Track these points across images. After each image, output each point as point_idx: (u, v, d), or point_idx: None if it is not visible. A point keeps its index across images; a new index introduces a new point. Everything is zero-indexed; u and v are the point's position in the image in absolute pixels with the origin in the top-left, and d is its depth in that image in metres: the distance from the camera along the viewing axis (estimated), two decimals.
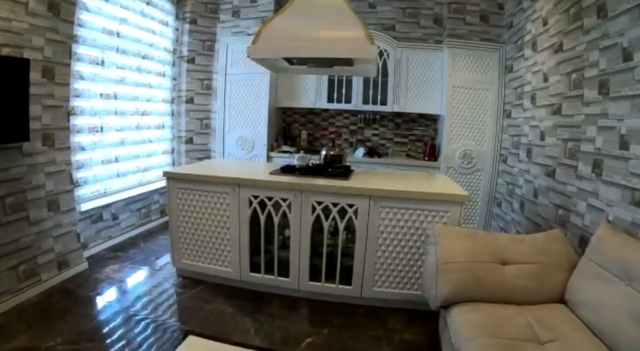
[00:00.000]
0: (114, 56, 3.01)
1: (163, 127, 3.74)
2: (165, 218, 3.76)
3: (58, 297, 2.24)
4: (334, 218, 2.20)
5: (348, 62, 2.35)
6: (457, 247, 1.79)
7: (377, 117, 4.23)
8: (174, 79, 3.88)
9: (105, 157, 3.01)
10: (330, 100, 4.00)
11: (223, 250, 2.41)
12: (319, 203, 2.18)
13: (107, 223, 3.06)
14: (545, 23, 2.67)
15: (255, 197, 2.26)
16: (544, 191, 2.57)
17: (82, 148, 2.80)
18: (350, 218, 2.18)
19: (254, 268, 2.39)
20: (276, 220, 2.27)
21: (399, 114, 4.18)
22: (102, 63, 2.91)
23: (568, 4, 2.34)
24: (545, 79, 2.63)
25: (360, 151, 3.98)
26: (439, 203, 2.12)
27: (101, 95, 2.93)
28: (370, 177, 2.53)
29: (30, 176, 2.19)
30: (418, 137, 4.26)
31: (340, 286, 2.29)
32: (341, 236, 2.22)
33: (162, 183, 3.69)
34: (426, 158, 3.89)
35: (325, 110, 4.31)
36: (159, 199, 3.69)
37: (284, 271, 2.34)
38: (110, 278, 2.53)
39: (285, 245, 2.33)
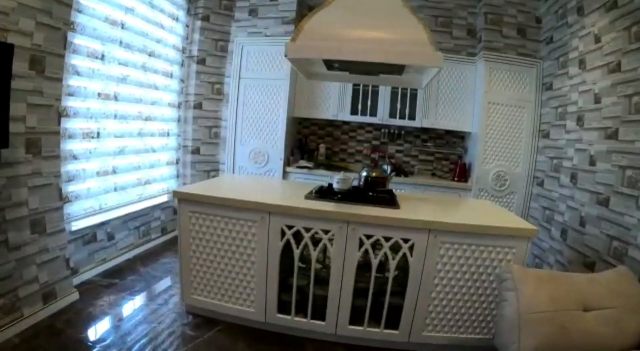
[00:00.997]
0: (116, 50, 2.57)
1: (168, 134, 3.29)
2: (167, 237, 3.35)
3: (43, 339, 1.78)
4: (384, 255, 1.79)
5: (398, 70, 2.00)
6: (539, 293, 1.48)
7: (403, 132, 3.89)
8: (182, 81, 3.46)
9: (101, 168, 2.55)
10: (354, 112, 3.63)
11: (246, 287, 1.96)
12: (368, 236, 1.78)
13: (102, 243, 2.59)
14: (597, 40, 2.36)
15: (290, 227, 1.84)
16: (593, 220, 2.24)
17: (75, 157, 2.33)
18: (404, 255, 1.78)
19: (283, 308, 1.95)
20: (315, 255, 1.85)
21: (425, 130, 3.84)
22: (103, 57, 2.47)
23: (629, 22, 2.05)
24: (597, 100, 2.31)
25: (387, 168, 3.62)
26: (504, 238, 1.76)
27: (99, 95, 2.48)
28: (420, 204, 2.16)
29: (9, 190, 1.73)
30: (444, 155, 3.93)
31: (386, 331, 1.89)
32: (392, 275, 1.82)
33: (164, 197, 3.29)
34: (455, 179, 3.56)
35: (346, 123, 3.94)
36: (161, 215, 3.23)
37: (319, 313, 1.92)
38: (105, 314, 2.07)
39: (320, 283, 1.91)
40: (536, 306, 1.45)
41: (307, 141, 4.05)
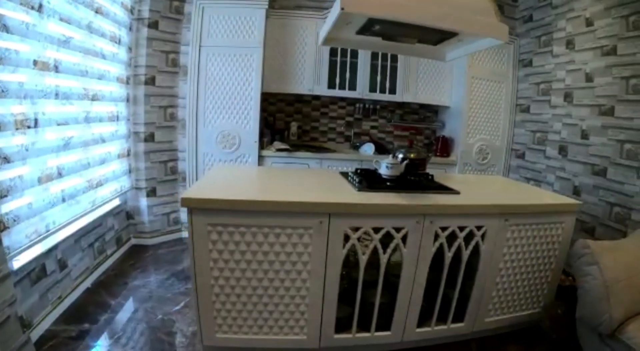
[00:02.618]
0: None
1: (117, 118, 2.64)
2: (124, 249, 2.82)
3: None
4: (457, 246, 1.78)
5: (441, 40, 1.92)
6: (616, 263, 1.69)
7: (378, 107, 3.90)
8: (130, 49, 2.79)
9: (43, 171, 1.90)
10: (331, 85, 3.48)
11: (294, 312, 1.71)
12: (444, 229, 1.73)
13: (54, 277, 1.99)
14: (589, 24, 2.70)
15: (355, 229, 1.65)
16: (589, 189, 2.66)
17: (6, 159, 1.68)
18: (476, 244, 1.81)
19: (340, 327, 1.79)
20: (384, 258, 1.71)
21: (399, 105, 3.91)
22: (40, 8, 1.80)
23: (627, 11, 2.39)
24: (589, 79, 2.69)
25: (370, 147, 3.60)
26: (557, 214, 1.94)
27: (35, 63, 1.81)
28: (466, 186, 2.12)
29: None
30: (419, 131, 4.10)
31: (453, 325, 1.93)
32: (463, 266, 1.83)
33: (117, 202, 2.71)
34: (438, 154, 3.76)
35: (317, 98, 3.76)
36: (114, 224, 2.65)
37: (385, 323, 1.83)
38: None
39: (385, 289, 1.80)
40: (619, 275, 1.65)
41: (275, 120, 3.80)
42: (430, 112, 4.03)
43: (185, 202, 1.52)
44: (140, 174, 2.92)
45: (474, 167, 3.65)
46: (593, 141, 2.65)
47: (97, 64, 2.33)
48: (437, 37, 1.92)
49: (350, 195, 1.74)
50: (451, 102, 3.69)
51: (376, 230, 1.67)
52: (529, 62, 3.38)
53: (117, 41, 2.56)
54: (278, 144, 3.39)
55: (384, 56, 3.49)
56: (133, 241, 2.99)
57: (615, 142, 2.47)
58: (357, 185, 1.89)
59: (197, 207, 1.53)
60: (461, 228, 1.77)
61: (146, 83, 2.82)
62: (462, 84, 3.47)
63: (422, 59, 3.57)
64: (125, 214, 2.87)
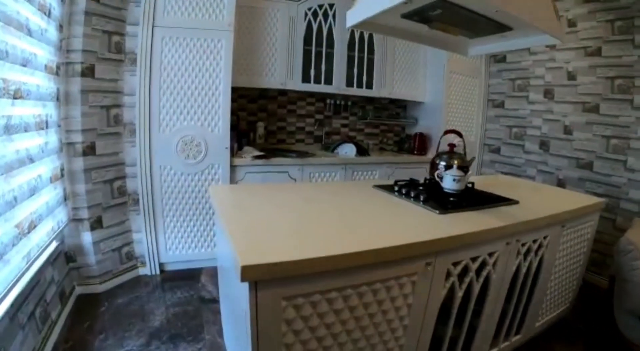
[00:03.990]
0: None
1: (47, 125, 1.93)
2: (69, 306, 2.14)
3: None
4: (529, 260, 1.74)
5: (487, 32, 1.83)
6: None
7: (349, 103, 3.72)
8: (61, 26, 2.06)
9: None
10: (306, 79, 3.20)
11: None
12: (523, 245, 1.67)
13: None
14: (572, 24, 2.94)
15: (456, 264, 1.44)
16: (574, 181, 2.96)
17: None
18: (542, 254, 1.80)
19: None
20: (477, 288, 1.55)
21: (369, 100, 3.82)
22: None
23: (612, 16, 2.67)
24: (572, 78, 2.97)
25: (351, 148, 3.40)
26: (590, 214, 2.06)
27: None
28: (501, 191, 2.09)
29: None
30: (389, 128, 4.05)
31: (514, 339, 1.90)
32: (531, 279, 1.80)
33: (53, 246, 2.04)
34: (415, 153, 3.75)
35: (283, 93, 3.45)
36: (54, 275, 1.95)
37: None
38: None
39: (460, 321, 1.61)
40: None
41: (238, 120, 3.35)
42: (399, 108, 4.05)
43: (250, 273, 0.99)
44: (80, 201, 2.23)
45: None
46: (577, 136, 2.93)
47: (20, 41, 1.67)
48: (486, 29, 1.85)
49: (436, 221, 1.50)
50: (425, 98, 3.76)
51: (474, 259, 1.50)
52: (502, 57, 3.60)
53: (47, 12, 1.88)
54: (250, 150, 3.00)
55: (361, 47, 3.35)
56: (78, 290, 2.31)
57: (601, 138, 2.77)
58: (432, 206, 1.65)
59: (265, 279, 1.04)
60: (534, 241, 1.73)
61: (83, 74, 2.13)
62: (441, 79, 3.53)
63: (398, 52, 3.54)
64: (64, 257, 2.18)
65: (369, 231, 1.33)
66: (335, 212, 1.53)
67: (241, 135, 3.16)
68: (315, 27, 3.15)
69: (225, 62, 2.63)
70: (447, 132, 2.08)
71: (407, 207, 1.67)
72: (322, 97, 3.62)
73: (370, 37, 3.37)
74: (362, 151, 3.44)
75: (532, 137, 3.33)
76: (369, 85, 3.46)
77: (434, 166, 2.05)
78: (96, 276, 2.36)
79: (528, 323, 1.99)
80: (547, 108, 3.16)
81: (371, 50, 3.39)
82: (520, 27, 1.77)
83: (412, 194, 1.79)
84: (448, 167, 1.98)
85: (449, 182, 1.79)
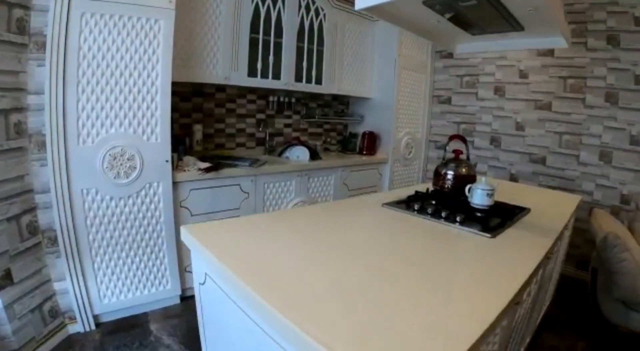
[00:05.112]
0: None
1: None
2: None
3: None
4: None
5: (500, 28, 1.79)
6: (636, 247, 2.16)
7: (293, 100, 3.43)
8: None
9: None
10: (252, 73, 2.82)
11: None
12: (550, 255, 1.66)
13: None
14: None
15: None
16: (528, 175, 3.24)
17: None
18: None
19: None
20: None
21: (313, 97, 3.60)
22: None
23: (567, 20, 2.91)
24: (524, 76, 3.23)
25: (303, 152, 3.13)
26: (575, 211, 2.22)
27: None
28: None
29: None
30: (332, 126, 3.87)
31: None
32: None
33: None
34: (365, 153, 3.66)
35: (221, 89, 3.02)
36: None
37: None
38: None
39: None
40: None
41: (172, 123, 2.76)
42: (342, 105, 3.93)
43: None
44: None
45: (402, 163, 3.80)
46: (530, 132, 3.21)
47: None
48: (498, 27, 1.81)
49: (496, 247, 1.34)
50: (372, 94, 3.71)
51: None
52: (449, 53, 3.73)
53: None
54: (192, 161, 2.54)
55: (310, 37, 3.13)
56: None
57: (553, 134, 3.07)
58: (477, 228, 1.50)
59: None
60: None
61: None
62: (391, 74, 3.52)
63: (347, 45, 3.41)
64: None
65: (461, 291, 1.02)
66: (376, 256, 1.20)
67: (177, 142, 2.68)
68: (263, 11, 2.80)
69: (165, 50, 2.14)
70: (452, 138, 2.02)
71: (447, 232, 1.48)
72: (264, 93, 3.29)
73: (321, 26, 3.16)
74: (313, 154, 3.26)
75: (482, 133, 3.55)
76: (318, 81, 3.25)
77: (439, 175, 1.96)
78: (16, 349, 1.72)
79: None
80: (497, 105, 3.40)
81: (321, 42, 3.18)
82: (534, 28, 1.79)
83: (443, 214, 1.63)
84: (457, 176, 1.96)
85: (481, 197, 1.67)
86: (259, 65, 2.85)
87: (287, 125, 3.53)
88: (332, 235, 1.35)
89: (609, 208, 2.83)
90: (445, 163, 1.96)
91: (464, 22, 1.80)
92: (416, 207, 1.73)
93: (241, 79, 2.77)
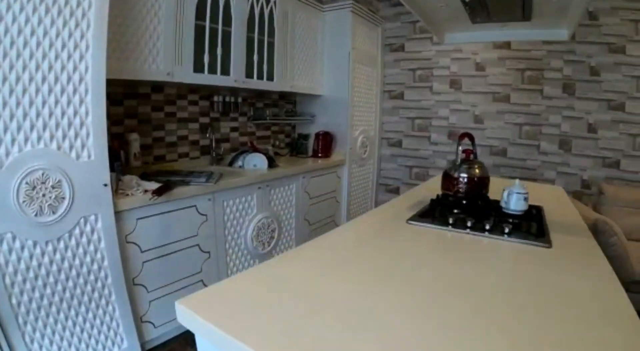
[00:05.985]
0: None
1: None
2: None
3: None
4: None
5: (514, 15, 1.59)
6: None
7: (239, 100, 2.91)
8: None
9: None
10: (198, 67, 2.28)
11: None
12: None
13: None
14: None
15: None
16: (490, 168, 3.10)
17: None
18: None
19: None
20: None
21: (260, 95, 3.14)
22: None
23: None
24: (480, 68, 3.21)
25: (261, 160, 2.65)
26: None
27: None
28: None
29: None
30: (280, 128, 3.42)
31: None
32: None
33: None
34: (320, 155, 3.31)
35: (158, 89, 2.44)
36: None
37: None
38: None
39: None
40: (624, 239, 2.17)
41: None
42: (289, 104, 3.53)
43: None
44: None
45: (358, 163, 3.56)
46: (489, 125, 3.19)
47: None
48: (507, 16, 1.63)
49: (561, 263, 1.13)
50: (323, 90, 3.38)
51: None
52: (400, 46, 3.57)
53: None
54: (134, 180, 1.95)
55: (261, 27, 2.69)
56: None
57: (513, 125, 3.08)
58: (529, 239, 1.29)
59: None
60: None
61: None
62: (345, 69, 3.24)
63: (297, 36, 3.02)
64: None
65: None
66: (450, 302, 0.91)
67: (111, 158, 2.06)
68: None
69: (97, 33, 1.56)
70: (462, 137, 1.79)
71: (500, 249, 1.25)
72: (208, 93, 2.76)
73: (271, 14, 2.73)
74: (271, 161, 2.83)
75: (438, 128, 3.47)
76: (270, 77, 2.82)
77: (449, 179, 1.73)
78: None
79: None
80: (454, 99, 3.33)
81: (272, 33, 2.75)
82: (542, 18, 1.66)
83: (487, 226, 1.37)
84: (471, 179, 1.74)
85: (517, 201, 1.48)
86: (206, 58, 2.34)
87: (233, 129, 3.03)
88: (378, 281, 0.97)
89: (571, 194, 2.91)
90: (456, 165, 1.75)
91: (477, 8, 1.61)
92: (451, 220, 1.44)
93: (186, 74, 2.23)
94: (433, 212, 1.59)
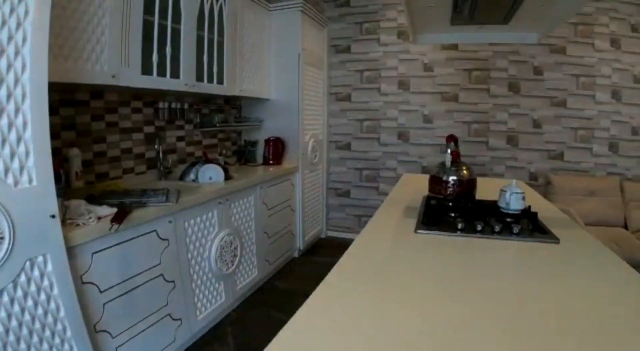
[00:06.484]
0: None
1: None
2: None
3: None
4: None
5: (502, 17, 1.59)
6: None
7: (185, 106, 2.55)
8: None
9: None
10: (146, 69, 1.93)
11: None
12: None
13: None
14: None
15: None
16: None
17: None
18: None
19: None
20: None
21: (205, 100, 2.82)
22: None
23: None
24: (429, 69, 3.29)
25: (217, 171, 2.33)
26: None
27: None
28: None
29: None
30: (226, 135, 3.09)
31: None
32: None
33: None
34: (271, 162, 3.09)
35: (97, 95, 2.03)
36: None
37: None
38: None
39: None
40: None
41: None
42: (234, 109, 3.23)
43: None
44: None
45: (310, 169, 3.42)
46: (438, 124, 3.27)
47: None
48: (488, 18, 1.62)
49: (573, 258, 1.17)
50: (271, 94, 3.16)
51: None
52: (346, 47, 3.50)
53: None
54: (82, 206, 1.56)
55: (211, 25, 2.42)
56: None
57: (462, 124, 3.20)
58: (536, 237, 1.31)
59: None
60: None
61: None
62: (295, 71, 3.08)
63: (246, 36, 2.78)
64: None
65: None
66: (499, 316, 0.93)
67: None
68: None
69: (38, 24, 1.20)
70: (450, 139, 1.74)
71: (513, 250, 1.24)
72: (152, 99, 2.39)
73: (221, 11, 2.47)
74: (226, 173, 2.55)
75: (388, 128, 3.47)
76: (220, 80, 2.54)
77: (438, 182, 1.71)
78: None
79: None
80: (403, 99, 3.36)
81: (221, 30, 2.49)
82: (519, 22, 1.68)
83: (497, 228, 1.36)
84: (461, 181, 1.70)
85: (516, 201, 1.48)
86: (155, 59, 2.00)
87: (180, 138, 2.67)
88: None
89: None
90: (443, 168, 1.71)
91: (466, 9, 1.58)
92: (460, 226, 1.38)
93: (134, 77, 1.87)
94: (434, 219, 1.50)
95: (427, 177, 1.90)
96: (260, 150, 3.26)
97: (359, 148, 3.68)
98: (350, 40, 3.61)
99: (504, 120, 3.24)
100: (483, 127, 3.32)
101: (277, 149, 3.14)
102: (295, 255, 3.36)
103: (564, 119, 3.16)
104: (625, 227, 2.90)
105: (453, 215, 1.55)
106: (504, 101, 3.21)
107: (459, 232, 1.37)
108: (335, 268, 1.09)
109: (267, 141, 3.16)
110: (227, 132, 3.21)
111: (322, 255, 3.39)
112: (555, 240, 1.28)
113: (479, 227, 1.37)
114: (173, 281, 1.93)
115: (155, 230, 1.78)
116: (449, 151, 1.68)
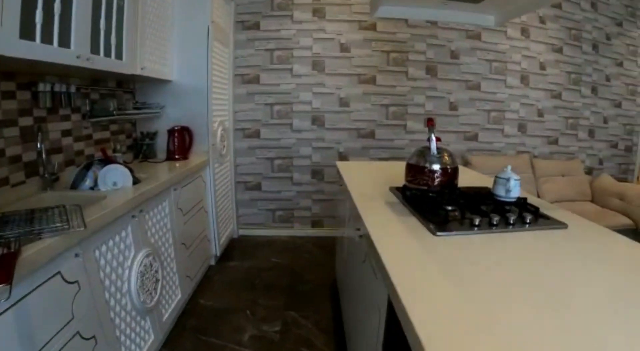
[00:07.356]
0: None
1: None
2: None
3: None
4: None
5: None
6: None
7: (72, 90, 1.84)
8: None
9: None
10: (26, 33, 1.30)
11: None
12: None
13: None
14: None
15: None
16: (358, 151, 3.32)
17: None
18: None
19: None
20: None
21: (95, 82, 2.19)
22: None
23: None
24: (345, 50, 3.18)
25: (125, 174, 1.76)
26: None
27: None
28: None
29: None
30: (120, 127, 2.38)
31: None
32: None
33: None
34: (177, 157, 2.59)
35: None
36: None
37: None
38: None
39: None
40: None
41: None
42: (127, 93, 2.55)
43: None
44: None
45: (219, 161, 3.00)
46: (355, 107, 3.20)
47: None
48: None
49: (588, 242, 1.18)
50: (173, 75, 2.61)
51: None
52: (254, 24, 3.11)
53: None
54: None
55: None
56: None
57: (380, 107, 3.19)
58: (540, 224, 1.30)
59: None
60: None
61: None
62: (204, 48, 2.62)
63: (148, 3, 2.21)
64: None
65: None
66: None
67: None
68: None
69: None
70: (430, 122, 1.58)
71: (530, 240, 1.20)
72: (28, 79, 1.70)
73: None
74: (132, 174, 1.98)
75: (301, 113, 3.26)
76: (119, 54, 1.95)
77: (417, 170, 1.54)
78: None
79: None
80: (317, 82, 3.17)
81: None
82: (495, 3, 1.64)
83: (511, 219, 1.29)
84: (445, 170, 1.54)
85: (515, 188, 1.45)
86: (39, 17, 1.40)
87: (65, 133, 1.98)
88: None
89: None
90: (421, 154, 1.57)
91: None
92: (476, 221, 1.26)
93: (9, 42, 1.25)
94: (438, 217, 1.34)
95: (366, 163, 1.80)
96: (160, 143, 2.70)
97: (270, 136, 3.38)
98: (259, 15, 3.21)
99: (421, 102, 3.36)
100: (401, 110, 3.39)
101: (182, 141, 2.64)
102: (212, 262, 2.94)
103: (478, 102, 3.46)
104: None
105: (450, 208, 1.37)
106: (421, 84, 3.32)
107: (476, 229, 1.26)
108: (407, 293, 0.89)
109: (171, 131, 2.63)
110: (120, 123, 2.56)
111: (237, 258, 3.04)
112: (563, 225, 1.31)
113: (495, 221, 1.28)
114: (94, 337, 1.38)
115: (59, 272, 1.21)
116: (433, 136, 1.52)
